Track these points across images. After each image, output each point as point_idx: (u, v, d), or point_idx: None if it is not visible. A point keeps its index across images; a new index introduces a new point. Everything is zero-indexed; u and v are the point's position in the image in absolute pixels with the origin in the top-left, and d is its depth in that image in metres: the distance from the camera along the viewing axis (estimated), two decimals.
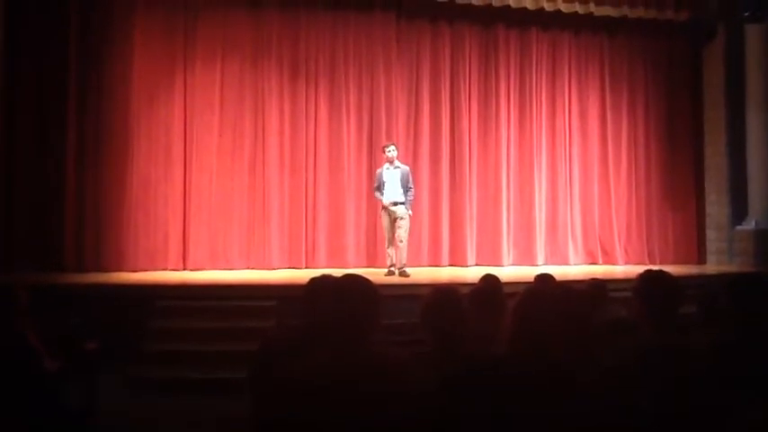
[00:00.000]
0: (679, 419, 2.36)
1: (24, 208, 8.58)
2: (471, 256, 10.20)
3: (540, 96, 10.70)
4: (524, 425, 2.00)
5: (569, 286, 2.48)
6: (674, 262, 10.62)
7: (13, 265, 8.18)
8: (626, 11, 10.38)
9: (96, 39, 8.98)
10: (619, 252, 10.69)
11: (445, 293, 2.77)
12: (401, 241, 8.52)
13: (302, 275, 7.17)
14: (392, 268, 8.51)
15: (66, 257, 8.64)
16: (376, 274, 8.19)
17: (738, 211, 10.27)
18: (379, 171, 8.72)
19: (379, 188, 8.56)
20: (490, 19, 10.45)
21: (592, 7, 10.24)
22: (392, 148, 8.64)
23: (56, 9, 8.80)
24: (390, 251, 8.58)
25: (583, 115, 10.86)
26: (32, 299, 3.56)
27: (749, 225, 9.99)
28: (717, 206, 10.67)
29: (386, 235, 8.63)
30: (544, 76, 10.73)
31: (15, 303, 3.40)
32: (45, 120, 8.73)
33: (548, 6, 10.09)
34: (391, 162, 8.56)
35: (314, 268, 9.21)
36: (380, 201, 8.57)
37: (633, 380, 2.46)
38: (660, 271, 2.99)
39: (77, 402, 3.92)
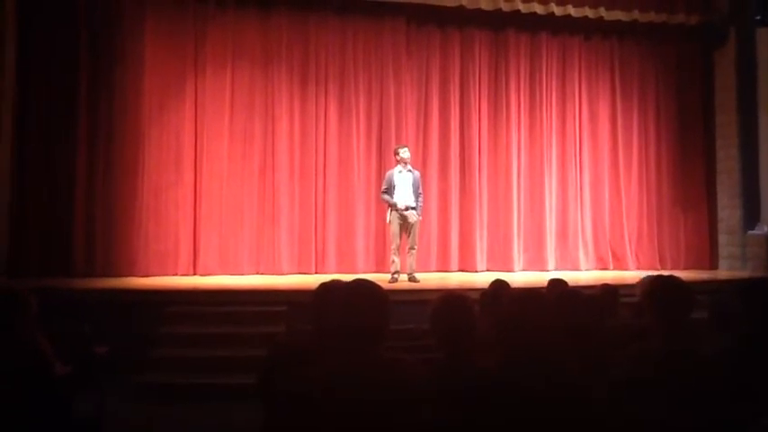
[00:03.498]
0: (691, 429, 2.33)
1: (35, 213, 8.60)
2: (481, 261, 10.16)
3: (551, 101, 10.66)
4: None
5: (537, 291, 2.45)
6: (686, 267, 10.56)
7: (23, 269, 8.23)
8: (636, 15, 10.35)
9: (106, 45, 9.02)
10: (630, 257, 10.63)
11: (454, 299, 2.75)
12: (413, 248, 8.49)
13: (312, 281, 7.17)
14: (395, 275, 8.40)
15: (76, 262, 8.67)
16: (386, 280, 8.18)
17: (751, 215, 10.20)
18: (389, 173, 8.59)
19: (389, 191, 8.43)
20: (500, 24, 10.43)
21: (602, 12, 10.21)
22: (406, 149, 8.57)
23: (66, 16, 8.84)
24: (395, 257, 8.45)
25: (593, 120, 10.82)
26: (42, 304, 3.56)
27: (761, 230, 9.91)
28: (729, 210, 10.60)
29: (393, 240, 8.47)
30: (554, 81, 10.70)
31: (25, 309, 3.40)
32: (55, 125, 8.77)
33: (558, 11, 10.07)
34: (404, 165, 8.48)
35: (324, 273, 9.16)
36: (389, 203, 8.40)
37: (644, 389, 2.44)
38: (671, 276, 2.95)
39: (87, 408, 3.93)
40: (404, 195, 8.38)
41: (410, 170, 8.50)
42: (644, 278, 4.38)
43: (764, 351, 2.67)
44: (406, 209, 8.35)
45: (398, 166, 8.51)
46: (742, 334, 2.86)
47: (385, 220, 8.70)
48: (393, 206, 8.38)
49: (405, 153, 8.50)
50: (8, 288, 3.74)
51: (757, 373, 2.57)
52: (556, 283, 4.88)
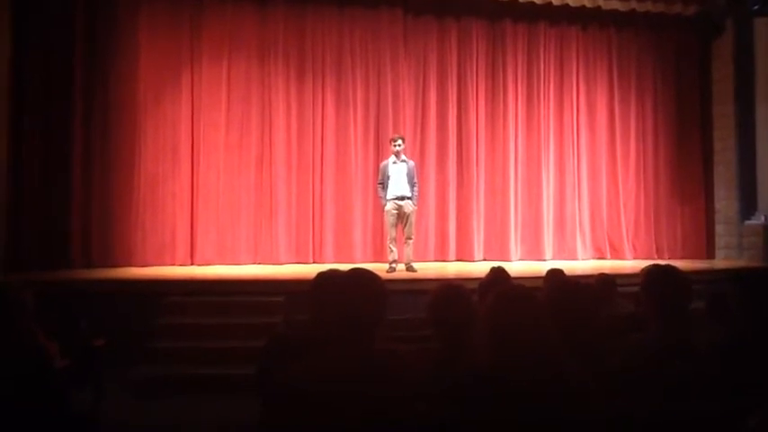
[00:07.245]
0: (687, 422, 2.33)
1: (32, 206, 8.55)
2: (478, 251, 10.17)
3: (548, 91, 10.66)
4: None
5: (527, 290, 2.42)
6: (683, 257, 10.59)
7: (21, 262, 8.19)
8: (634, 5, 10.33)
9: (102, 36, 8.97)
10: (627, 247, 10.65)
11: (451, 290, 2.76)
12: (410, 238, 8.47)
13: (310, 270, 7.15)
14: (393, 265, 8.38)
15: (73, 254, 8.64)
16: (383, 269, 8.17)
17: (747, 205, 10.21)
18: (383, 164, 8.57)
19: (383, 183, 8.42)
20: (497, 14, 10.41)
21: (600, 1, 10.19)
22: (400, 141, 8.49)
23: (61, 8, 8.79)
24: (393, 247, 8.43)
25: (591, 110, 10.81)
26: (40, 297, 3.55)
27: (758, 220, 9.93)
28: (726, 201, 10.61)
29: (389, 231, 8.44)
30: (552, 71, 10.69)
31: (21, 304, 3.40)
32: (52, 117, 8.72)
33: (555, 0, 10.06)
34: (398, 156, 8.42)
35: (321, 263, 9.19)
36: (383, 198, 8.42)
37: (641, 381, 2.44)
38: (667, 266, 2.94)
39: (85, 401, 3.92)
40: (398, 186, 8.34)
41: (404, 160, 8.47)
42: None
43: (761, 342, 2.67)
44: (401, 198, 8.32)
45: (392, 156, 8.50)
46: (739, 325, 2.86)
47: (382, 210, 8.69)
48: (384, 202, 8.41)
49: (394, 146, 8.41)
50: (3, 284, 3.73)
51: (754, 364, 2.57)
52: (553, 274, 4.89)
